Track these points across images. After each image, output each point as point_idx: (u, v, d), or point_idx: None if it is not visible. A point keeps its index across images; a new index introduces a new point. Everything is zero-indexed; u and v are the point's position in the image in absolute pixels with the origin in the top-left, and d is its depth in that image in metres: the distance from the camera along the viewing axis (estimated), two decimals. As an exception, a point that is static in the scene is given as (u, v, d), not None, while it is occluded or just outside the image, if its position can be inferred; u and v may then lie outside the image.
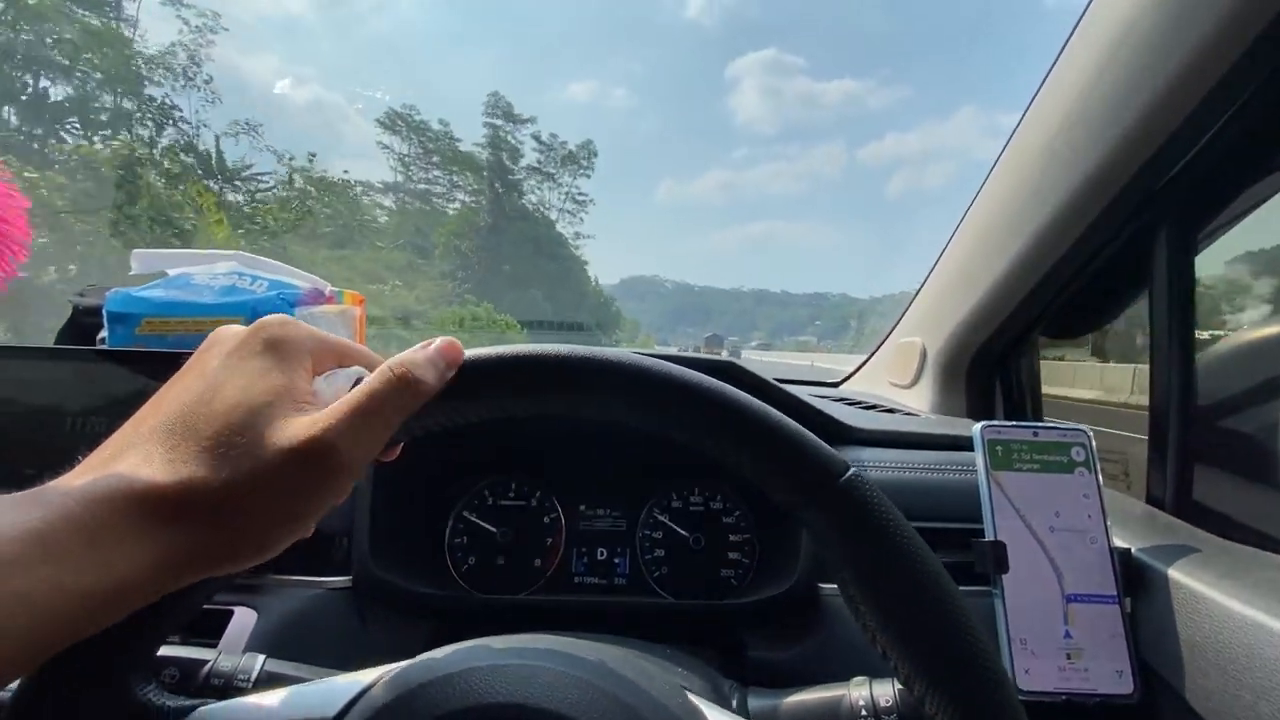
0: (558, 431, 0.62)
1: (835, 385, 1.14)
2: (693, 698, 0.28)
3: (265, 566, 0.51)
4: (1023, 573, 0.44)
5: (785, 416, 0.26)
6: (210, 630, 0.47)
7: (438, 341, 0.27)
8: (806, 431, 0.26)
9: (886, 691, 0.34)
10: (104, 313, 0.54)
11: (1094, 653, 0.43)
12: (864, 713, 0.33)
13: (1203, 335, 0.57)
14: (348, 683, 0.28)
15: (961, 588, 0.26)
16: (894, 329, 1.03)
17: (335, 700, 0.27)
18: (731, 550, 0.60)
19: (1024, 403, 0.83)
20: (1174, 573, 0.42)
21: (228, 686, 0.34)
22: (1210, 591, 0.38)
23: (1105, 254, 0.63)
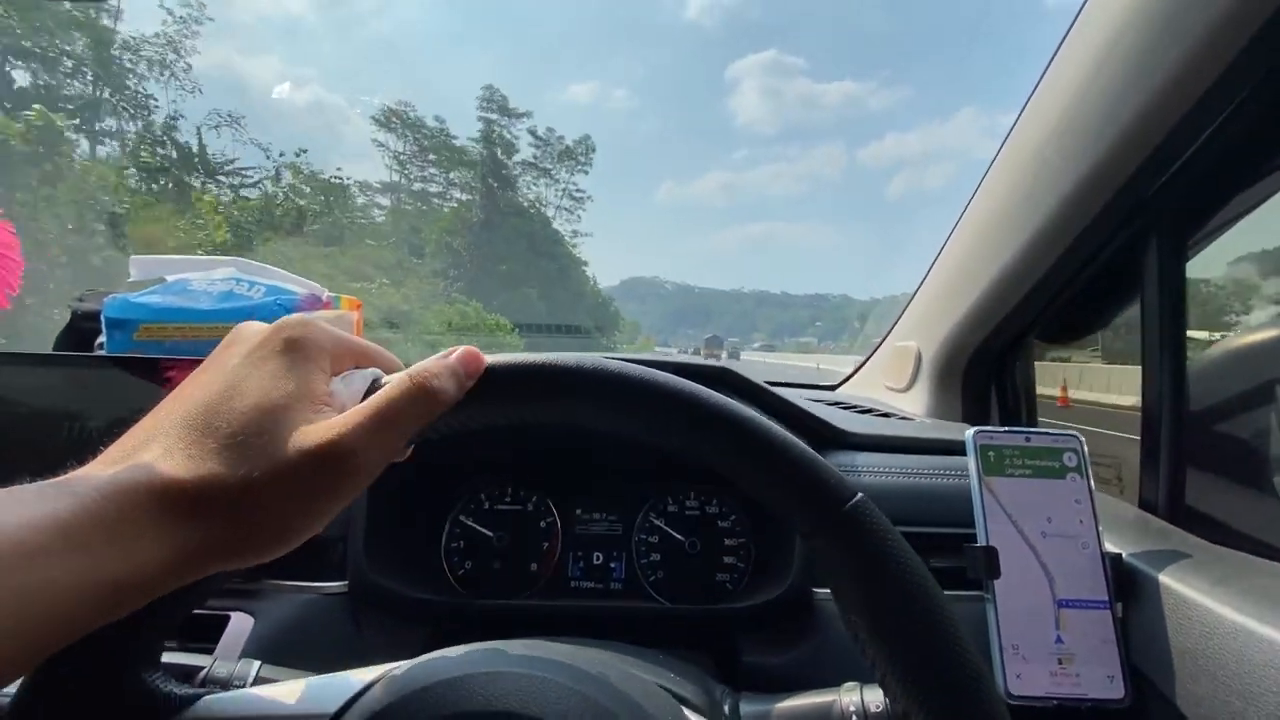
0: (554, 435, 0.62)
1: (832, 388, 1.14)
2: (686, 711, 0.29)
3: (262, 571, 0.52)
4: (1014, 578, 0.44)
5: (795, 439, 0.27)
6: (207, 635, 0.47)
7: (459, 351, 0.27)
8: (816, 455, 0.26)
9: (877, 697, 0.34)
10: (102, 318, 0.54)
11: (1085, 658, 0.43)
12: (854, 718, 0.34)
13: (1201, 335, 0.57)
14: (348, 680, 0.29)
15: (953, 593, 0.26)
16: (890, 333, 1.04)
17: (336, 696, 0.28)
18: (727, 554, 0.60)
19: (1019, 407, 0.84)
20: (1165, 578, 0.42)
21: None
22: (1201, 598, 0.39)
23: (1098, 259, 0.64)
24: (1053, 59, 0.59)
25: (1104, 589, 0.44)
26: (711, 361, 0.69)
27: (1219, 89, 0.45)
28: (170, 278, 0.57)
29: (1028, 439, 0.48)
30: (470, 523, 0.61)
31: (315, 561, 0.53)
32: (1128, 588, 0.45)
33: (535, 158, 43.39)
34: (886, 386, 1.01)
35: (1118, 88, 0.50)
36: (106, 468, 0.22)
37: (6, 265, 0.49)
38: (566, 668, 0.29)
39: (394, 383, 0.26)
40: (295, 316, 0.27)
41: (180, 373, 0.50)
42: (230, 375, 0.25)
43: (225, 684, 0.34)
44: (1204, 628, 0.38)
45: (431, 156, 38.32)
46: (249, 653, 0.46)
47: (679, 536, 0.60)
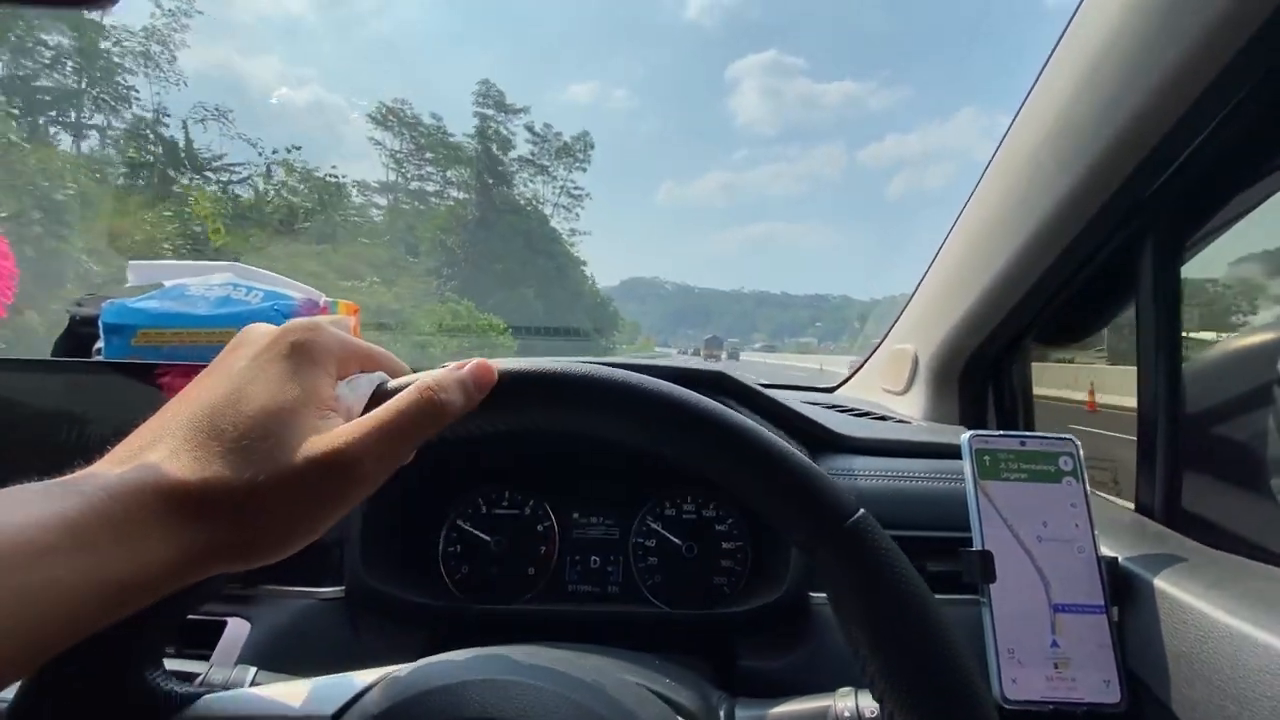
0: (551, 440, 0.62)
1: (830, 391, 1.15)
2: (680, 719, 0.29)
3: (258, 576, 0.52)
4: (1010, 582, 0.44)
5: (800, 454, 0.27)
6: (203, 641, 0.47)
7: (471, 364, 0.27)
8: (819, 470, 0.27)
9: (872, 703, 0.34)
10: (100, 323, 0.54)
11: (1081, 662, 0.43)
12: None
13: (1197, 336, 0.57)
14: (349, 682, 0.29)
15: (949, 597, 0.26)
16: (887, 335, 1.04)
17: (336, 697, 0.28)
18: (724, 558, 0.60)
19: (1016, 409, 0.84)
20: (1160, 582, 0.42)
21: None
22: (1196, 602, 0.39)
23: (1094, 262, 0.64)
24: (1048, 60, 0.59)
25: (1100, 593, 0.44)
26: (709, 364, 0.69)
27: (1216, 90, 0.45)
28: (168, 283, 0.57)
29: (1023, 443, 0.48)
30: (467, 527, 0.61)
31: (312, 566, 0.53)
32: (1123, 592, 0.45)
33: (532, 154, 42.79)
34: (884, 389, 1.01)
35: (1114, 89, 0.50)
36: (113, 467, 0.22)
37: (0, 276, 0.49)
38: (562, 676, 0.29)
39: (403, 394, 0.26)
40: (302, 320, 0.27)
41: (178, 378, 0.50)
42: (237, 378, 0.25)
43: (222, 690, 0.34)
44: (1199, 632, 0.38)
45: (429, 155, 37.81)
46: (246, 658, 0.47)
47: (676, 540, 0.60)
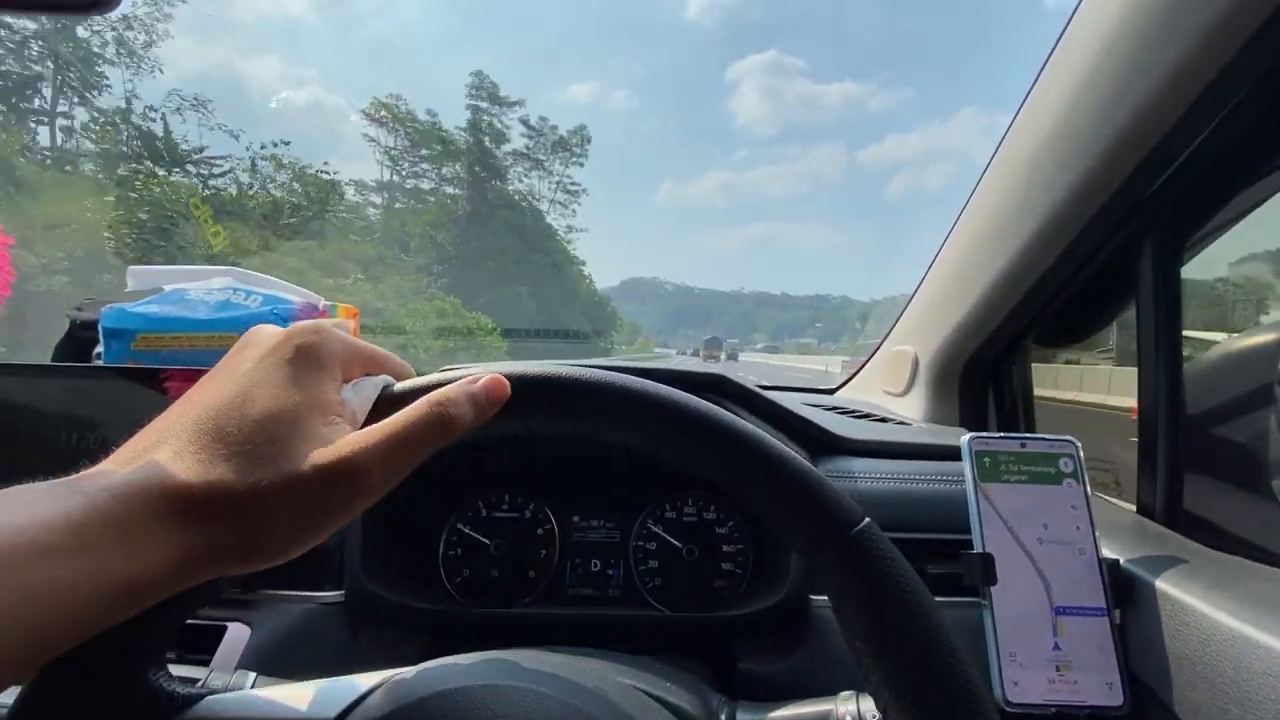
0: (552, 443, 0.62)
1: (830, 392, 1.14)
2: None
3: (258, 581, 0.52)
4: (1011, 585, 0.44)
5: (806, 463, 0.27)
6: (203, 646, 0.47)
7: (484, 379, 0.27)
8: (824, 479, 0.27)
9: (873, 706, 0.34)
10: (99, 328, 0.54)
11: (1083, 665, 0.43)
12: None
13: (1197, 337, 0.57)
14: (352, 684, 0.29)
15: (950, 599, 0.26)
16: (887, 337, 1.04)
17: (339, 700, 0.28)
18: (725, 561, 0.60)
19: (1016, 411, 0.83)
20: (1162, 584, 0.42)
21: None
22: (1198, 603, 0.39)
23: (1094, 262, 0.64)
24: (1048, 60, 0.59)
25: (1101, 595, 0.44)
26: (709, 366, 0.69)
27: (1216, 90, 0.45)
28: (167, 287, 0.57)
29: (1023, 444, 0.48)
30: (468, 530, 0.60)
31: (312, 571, 0.53)
32: (1125, 594, 0.44)
33: (528, 148, 41.97)
34: (884, 390, 1.01)
35: (1114, 89, 0.50)
36: (117, 468, 0.22)
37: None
38: (564, 681, 0.29)
39: (413, 406, 0.26)
40: (308, 323, 0.27)
41: (178, 382, 0.50)
42: (242, 381, 0.25)
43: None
44: (1201, 634, 0.37)
45: (423, 151, 37.10)
46: (245, 663, 0.46)
47: (677, 543, 0.60)
